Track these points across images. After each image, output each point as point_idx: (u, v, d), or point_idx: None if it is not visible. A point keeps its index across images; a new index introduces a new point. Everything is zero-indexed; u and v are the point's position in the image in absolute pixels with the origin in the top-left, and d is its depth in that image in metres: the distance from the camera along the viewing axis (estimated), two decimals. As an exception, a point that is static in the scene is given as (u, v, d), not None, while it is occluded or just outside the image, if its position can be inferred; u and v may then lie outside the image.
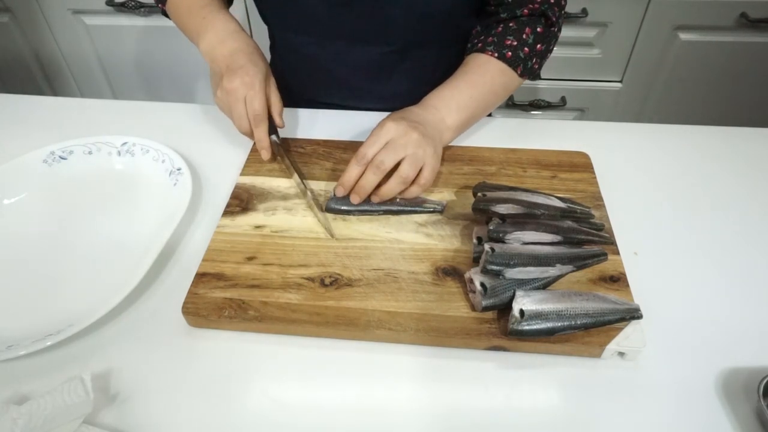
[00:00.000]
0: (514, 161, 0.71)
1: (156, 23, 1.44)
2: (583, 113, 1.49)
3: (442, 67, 0.77)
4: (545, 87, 1.44)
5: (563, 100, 1.44)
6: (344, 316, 0.53)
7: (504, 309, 0.52)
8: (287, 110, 0.81)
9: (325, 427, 0.48)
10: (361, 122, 0.78)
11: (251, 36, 0.73)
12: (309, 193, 0.66)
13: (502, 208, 0.57)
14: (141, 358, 0.52)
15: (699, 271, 0.59)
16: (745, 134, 0.77)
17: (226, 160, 0.73)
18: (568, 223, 0.58)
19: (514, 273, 0.52)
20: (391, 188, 0.62)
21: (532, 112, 1.48)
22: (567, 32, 1.25)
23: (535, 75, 0.75)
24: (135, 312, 0.56)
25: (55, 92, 1.66)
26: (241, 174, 0.70)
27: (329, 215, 0.64)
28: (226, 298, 0.55)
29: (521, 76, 0.74)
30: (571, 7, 1.28)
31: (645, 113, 1.47)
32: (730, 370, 0.51)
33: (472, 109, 0.70)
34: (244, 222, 0.63)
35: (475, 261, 0.58)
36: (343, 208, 0.63)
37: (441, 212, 0.64)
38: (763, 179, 0.70)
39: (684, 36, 1.31)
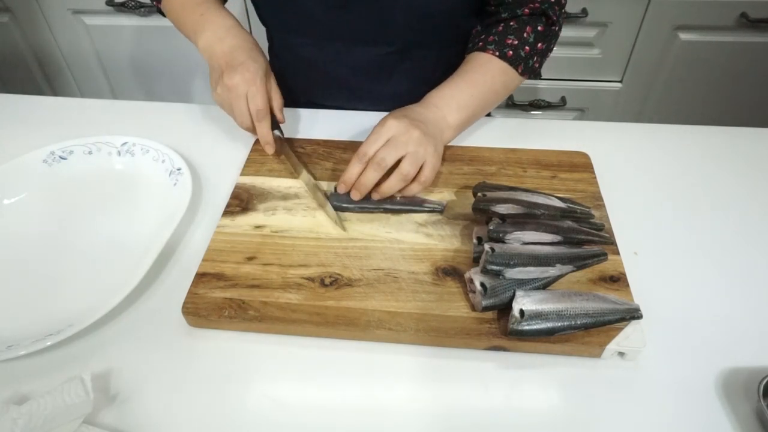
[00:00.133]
0: (514, 161, 0.71)
1: (156, 23, 1.44)
2: (583, 113, 1.49)
3: (442, 68, 0.77)
4: (545, 87, 1.44)
5: (563, 100, 1.44)
6: (344, 316, 0.53)
7: (504, 309, 0.52)
8: (287, 110, 0.81)
9: (325, 427, 0.48)
10: (360, 122, 0.78)
11: (254, 38, 0.73)
12: (317, 185, 0.66)
13: (502, 208, 0.57)
14: (141, 358, 0.52)
15: (699, 271, 0.59)
16: (745, 134, 0.77)
17: (226, 160, 0.73)
18: (568, 223, 0.58)
19: (514, 273, 0.52)
20: (391, 185, 0.62)
21: (532, 112, 1.48)
22: (567, 32, 1.25)
23: (535, 73, 0.75)
24: (135, 312, 0.56)
25: (55, 92, 1.66)
26: (241, 174, 0.70)
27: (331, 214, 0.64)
28: (226, 298, 0.55)
29: (522, 74, 0.74)
30: (571, 7, 1.28)
31: (645, 113, 1.47)
32: (730, 370, 0.51)
33: (473, 107, 0.70)
34: (244, 222, 0.63)
35: (475, 261, 0.58)
36: (343, 204, 0.63)
37: (441, 212, 0.64)
38: (763, 179, 0.70)
39: (684, 36, 1.31)
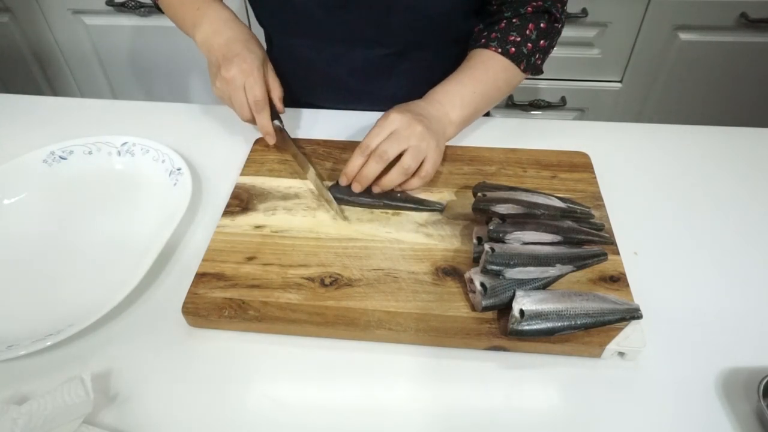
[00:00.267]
0: (514, 161, 0.71)
1: (156, 23, 1.44)
2: (583, 113, 1.48)
3: (441, 69, 0.77)
4: (545, 87, 1.44)
5: (563, 100, 1.44)
6: (344, 316, 0.53)
7: (504, 309, 0.52)
8: (287, 110, 0.81)
9: (325, 427, 0.48)
10: (360, 122, 0.78)
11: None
12: (317, 176, 0.67)
13: (502, 208, 0.57)
14: (141, 358, 0.52)
15: (699, 271, 0.59)
16: (745, 134, 0.77)
17: (226, 160, 0.73)
18: (568, 223, 0.58)
19: (514, 273, 0.52)
20: (392, 179, 0.62)
21: (532, 112, 1.48)
22: (567, 32, 1.24)
23: (537, 70, 0.76)
24: (135, 312, 0.56)
25: (55, 92, 1.66)
26: (241, 174, 0.70)
27: (329, 214, 0.64)
28: (226, 298, 0.55)
29: (524, 71, 0.74)
30: (571, 7, 1.28)
31: (645, 113, 1.47)
32: (730, 370, 0.51)
33: (475, 104, 0.70)
34: (244, 222, 0.63)
35: (475, 261, 0.58)
36: (342, 197, 0.64)
37: (441, 212, 0.64)
38: (763, 179, 0.70)
39: (684, 36, 1.31)
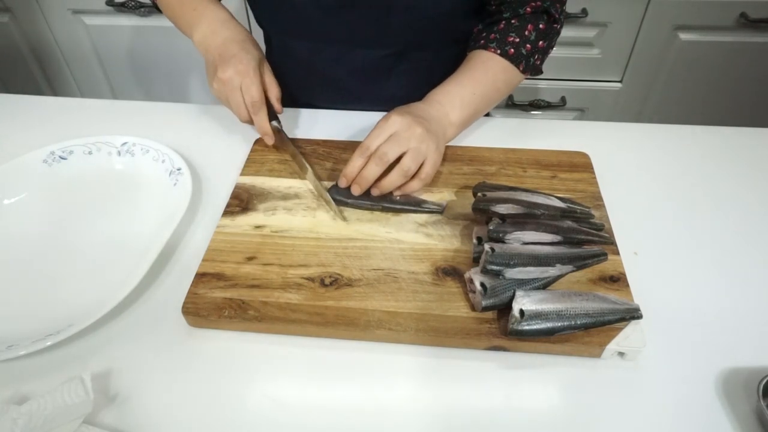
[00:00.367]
0: (514, 161, 0.71)
1: (156, 23, 1.44)
2: (583, 113, 1.49)
3: (440, 69, 0.77)
4: (545, 87, 1.44)
5: (563, 100, 1.44)
6: (344, 316, 0.53)
7: (504, 309, 0.52)
8: (287, 110, 0.81)
9: (325, 427, 0.48)
10: (360, 122, 0.78)
11: (249, 32, 0.73)
12: (315, 177, 0.67)
13: (502, 208, 0.57)
14: (141, 358, 0.52)
15: (699, 271, 0.59)
16: (745, 134, 0.77)
17: (226, 160, 0.73)
18: (568, 223, 0.58)
19: (514, 273, 0.52)
20: (391, 181, 0.62)
21: (532, 112, 1.48)
22: (567, 32, 1.25)
23: (537, 71, 0.76)
24: (135, 312, 0.56)
25: (55, 92, 1.66)
26: (241, 174, 0.70)
27: (329, 214, 0.64)
28: (226, 298, 0.55)
29: (523, 72, 0.74)
30: (571, 7, 1.28)
31: (645, 113, 1.47)
32: (730, 370, 0.51)
33: (475, 105, 0.70)
34: (244, 222, 0.63)
35: (475, 261, 0.58)
36: (341, 199, 0.64)
37: (441, 213, 0.64)
38: (763, 179, 0.70)
39: (684, 36, 1.31)
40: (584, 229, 0.59)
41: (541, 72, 0.76)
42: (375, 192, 0.63)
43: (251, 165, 0.71)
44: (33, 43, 1.53)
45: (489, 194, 0.60)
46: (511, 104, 1.47)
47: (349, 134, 0.77)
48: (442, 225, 0.62)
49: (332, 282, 0.56)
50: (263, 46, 0.92)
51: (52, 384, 0.47)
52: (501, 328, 0.52)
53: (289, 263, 0.58)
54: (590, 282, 0.56)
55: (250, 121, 0.70)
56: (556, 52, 0.80)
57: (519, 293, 0.51)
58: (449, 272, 0.57)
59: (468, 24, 0.79)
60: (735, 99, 1.43)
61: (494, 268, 0.52)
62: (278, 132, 0.72)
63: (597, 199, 0.65)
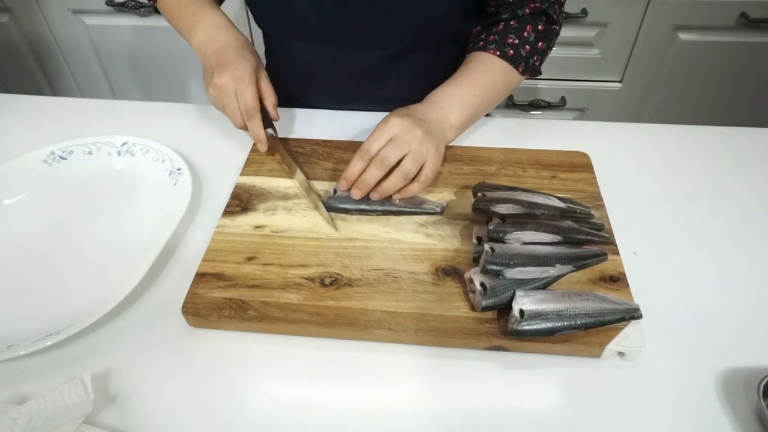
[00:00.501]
0: (514, 161, 0.71)
1: (156, 23, 1.44)
2: (583, 113, 1.49)
3: (439, 70, 0.77)
4: (545, 87, 1.44)
5: (563, 100, 1.44)
6: (344, 316, 0.53)
7: (504, 309, 0.52)
8: (287, 110, 0.81)
9: (325, 427, 0.48)
10: (360, 122, 0.78)
11: (251, 37, 0.73)
12: (310, 185, 0.66)
13: (502, 208, 0.57)
14: (141, 358, 0.52)
15: (699, 271, 0.59)
16: (745, 134, 0.77)
17: (226, 160, 0.73)
18: (568, 223, 0.58)
19: (514, 273, 0.52)
20: (392, 184, 0.62)
21: (532, 112, 1.48)
22: (567, 32, 1.25)
23: (536, 72, 0.76)
24: (135, 312, 0.56)
25: (54, 92, 1.66)
26: (241, 174, 0.70)
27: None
28: (226, 298, 0.55)
29: (522, 73, 0.74)
30: (571, 7, 1.28)
31: (645, 113, 1.47)
32: (730, 370, 0.51)
33: (475, 107, 0.70)
34: (244, 222, 0.63)
35: (475, 261, 0.58)
36: (341, 206, 0.63)
37: (441, 213, 0.64)
38: (763, 179, 0.70)
39: (684, 36, 1.31)
40: (584, 229, 0.59)
41: (540, 73, 0.76)
42: (374, 196, 0.63)
43: (251, 165, 0.71)
44: (33, 42, 1.53)
45: (489, 194, 0.60)
46: (511, 104, 1.47)
47: (350, 135, 0.76)
48: (442, 225, 0.63)
49: (332, 282, 0.56)
50: (262, 47, 0.92)
51: (52, 384, 0.47)
52: (501, 328, 0.52)
53: (289, 263, 0.58)
54: (590, 282, 0.56)
55: (245, 127, 0.70)
56: (555, 52, 0.80)
57: (519, 293, 0.51)
58: (449, 272, 0.57)
59: (467, 25, 0.79)
60: (735, 99, 1.43)
61: (494, 268, 0.52)
62: (273, 139, 0.72)
63: (597, 199, 0.65)
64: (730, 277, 0.59)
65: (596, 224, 0.60)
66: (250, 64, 0.68)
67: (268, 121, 0.70)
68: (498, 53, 0.71)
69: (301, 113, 0.82)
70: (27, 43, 1.54)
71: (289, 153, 0.72)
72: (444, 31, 0.79)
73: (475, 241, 0.58)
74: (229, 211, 0.64)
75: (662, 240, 0.62)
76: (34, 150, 0.70)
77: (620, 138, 0.77)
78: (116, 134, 0.72)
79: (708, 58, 1.35)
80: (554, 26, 0.74)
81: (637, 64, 1.37)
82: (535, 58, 0.74)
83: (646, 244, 0.61)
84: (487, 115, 0.81)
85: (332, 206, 0.64)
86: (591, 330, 0.51)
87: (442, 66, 0.79)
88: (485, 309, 0.52)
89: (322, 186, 0.68)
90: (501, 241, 0.55)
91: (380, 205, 0.63)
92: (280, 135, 0.74)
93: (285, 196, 0.66)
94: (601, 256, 0.56)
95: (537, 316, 0.49)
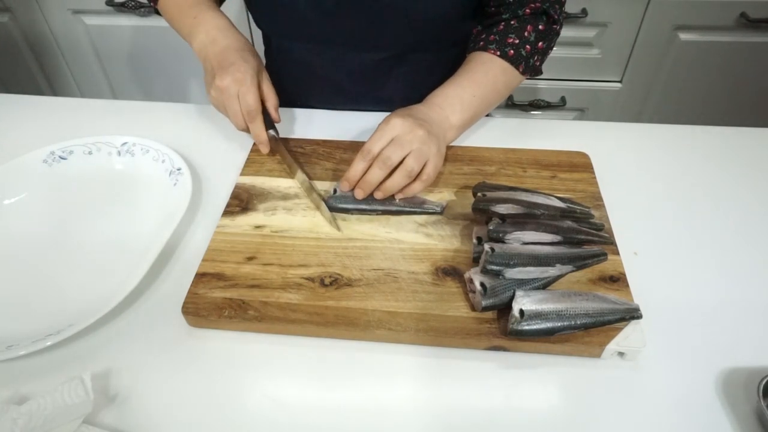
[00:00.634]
0: (514, 161, 0.71)
1: (155, 23, 1.44)
2: (583, 113, 1.49)
3: (439, 71, 0.77)
4: (545, 87, 1.44)
5: (563, 100, 1.44)
6: (344, 316, 0.53)
7: (504, 309, 0.52)
8: (287, 110, 0.81)
9: (325, 427, 0.48)
10: (360, 123, 0.78)
11: (251, 37, 0.73)
12: (312, 185, 0.66)
13: (502, 208, 0.57)
14: (141, 358, 0.52)
15: (699, 271, 0.59)
16: (745, 134, 0.77)
17: (226, 160, 0.73)
18: (568, 223, 0.58)
19: (514, 273, 0.52)
20: (395, 182, 0.62)
21: (532, 112, 1.48)
22: (567, 32, 1.25)
23: (536, 72, 0.76)
24: (135, 312, 0.56)
25: (54, 92, 1.66)
26: (241, 174, 0.70)
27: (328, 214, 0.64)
28: (226, 298, 0.55)
29: (523, 73, 0.74)
30: (571, 7, 1.28)
31: (645, 113, 1.47)
32: (730, 370, 0.51)
33: (475, 107, 0.70)
34: (244, 222, 0.63)
35: (475, 261, 0.58)
36: (342, 206, 0.63)
37: (441, 213, 0.64)
38: (763, 179, 0.70)
39: (684, 36, 1.31)
40: (584, 229, 0.59)
41: (541, 73, 0.76)
42: (378, 195, 0.63)
43: (251, 165, 0.71)
44: (33, 42, 1.53)
45: (489, 194, 0.60)
46: (511, 104, 1.47)
47: (349, 135, 0.77)
48: (442, 225, 0.63)
49: (332, 282, 0.56)
50: (262, 47, 0.92)
51: (52, 384, 0.47)
52: (501, 328, 0.52)
53: (289, 263, 0.58)
54: (590, 282, 0.56)
55: (247, 129, 0.70)
56: (555, 52, 0.80)
57: (519, 293, 0.51)
58: (449, 272, 0.57)
59: (467, 26, 0.79)
60: (735, 99, 1.43)
61: (494, 268, 0.52)
62: (275, 140, 0.72)
63: (597, 199, 0.65)
64: (730, 277, 0.59)
65: (596, 224, 0.60)
66: (252, 66, 0.68)
67: (269, 123, 0.70)
68: (498, 53, 0.71)
69: (301, 113, 0.82)
70: (27, 43, 1.54)
71: (289, 153, 0.72)
72: (444, 31, 0.79)
73: (475, 241, 0.58)
74: (229, 211, 0.64)
75: (662, 240, 0.62)
76: (34, 150, 0.70)
77: (620, 138, 0.77)
78: (116, 134, 0.72)
79: (708, 58, 1.35)
80: (555, 26, 0.74)
81: (637, 64, 1.37)
82: (536, 58, 0.74)
83: (646, 244, 0.61)
84: (487, 115, 0.81)
85: (332, 206, 0.64)
86: (591, 330, 0.51)
87: (442, 67, 0.79)
88: (485, 309, 0.52)
89: (323, 186, 0.68)
90: (501, 241, 0.55)
91: (380, 204, 0.63)
92: (284, 134, 0.74)
93: (285, 196, 0.66)
94: (601, 256, 0.56)
95: (537, 316, 0.49)
